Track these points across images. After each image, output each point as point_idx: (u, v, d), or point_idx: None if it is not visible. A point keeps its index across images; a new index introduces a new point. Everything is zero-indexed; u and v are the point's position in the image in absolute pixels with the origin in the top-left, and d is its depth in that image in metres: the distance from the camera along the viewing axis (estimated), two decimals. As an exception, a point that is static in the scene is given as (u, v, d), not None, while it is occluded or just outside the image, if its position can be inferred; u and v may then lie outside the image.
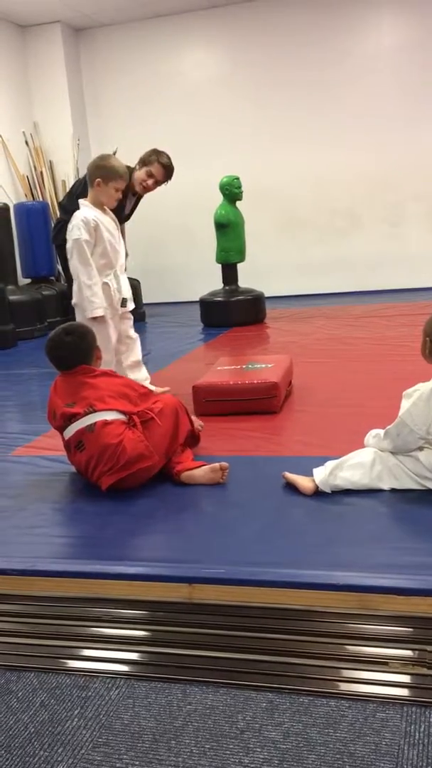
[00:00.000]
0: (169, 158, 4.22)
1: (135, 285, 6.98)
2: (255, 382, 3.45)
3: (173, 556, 2.13)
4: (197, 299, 6.38)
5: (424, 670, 1.60)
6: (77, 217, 3.42)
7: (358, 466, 2.42)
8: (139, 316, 6.81)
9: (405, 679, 1.60)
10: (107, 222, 3.50)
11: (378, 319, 5.45)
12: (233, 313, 6.06)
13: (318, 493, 2.41)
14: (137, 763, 1.40)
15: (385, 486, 2.40)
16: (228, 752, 1.41)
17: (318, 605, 1.85)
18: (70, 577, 2.05)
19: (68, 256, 3.47)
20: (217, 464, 2.61)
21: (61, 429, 2.69)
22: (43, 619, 1.92)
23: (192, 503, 2.48)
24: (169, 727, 1.49)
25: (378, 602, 1.83)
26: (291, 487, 2.48)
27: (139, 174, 4.23)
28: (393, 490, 2.39)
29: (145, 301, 7.14)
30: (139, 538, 2.27)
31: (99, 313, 3.43)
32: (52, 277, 7.23)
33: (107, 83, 7.83)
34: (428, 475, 2.35)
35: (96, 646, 1.81)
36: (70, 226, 3.46)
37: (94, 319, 3.42)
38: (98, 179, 3.45)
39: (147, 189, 4.29)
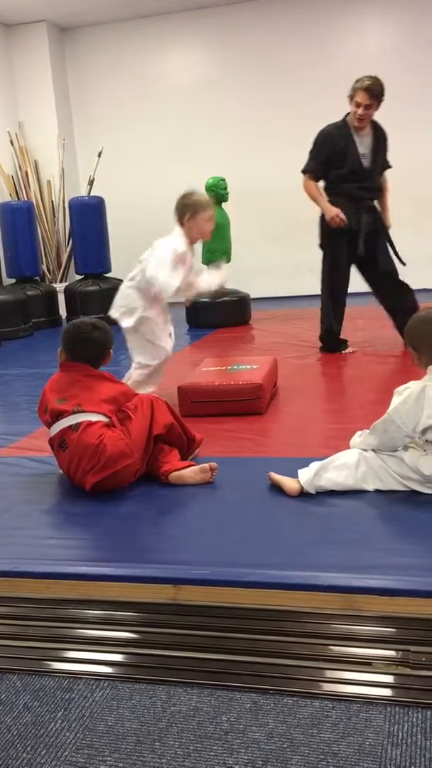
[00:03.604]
0: (369, 78, 4.24)
1: (120, 286, 6.97)
2: (240, 383, 3.45)
3: (159, 557, 2.13)
4: (183, 300, 6.37)
5: (408, 671, 1.61)
6: (170, 246, 3.49)
7: (342, 468, 2.43)
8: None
9: (388, 679, 1.60)
10: (189, 257, 3.57)
11: (363, 321, 5.47)
12: (219, 314, 6.07)
13: (303, 494, 2.41)
14: (121, 764, 1.40)
15: (370, 487, 2.41)
16: (212, 753, 1.41)
17: (303, 606, 1.85)
18: (55, 578, 2.04)
19: (154, 263, 3.49)
20: (206, 464, 2.61)
21: (48, 425, 2.69)
22: (27, 621, 1.91)
23: (178, 504, 2.48)
24: (153, 729, 1.49)
25: (362, 603, 1.83)
26: (276, 488, 2.49)
27: (351, 110, 4.33)
28: (377, 491, 2.40)
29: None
30: (125, 540, 2.26)
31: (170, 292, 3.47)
32: (37, 277, 7.20)
33: (93, 83, 7.82)
34: (412, 476, 2.37)
35: (80, 647, 1.80)
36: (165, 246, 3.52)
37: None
38: (187, 215, 3.54)
39: (363, 118, 4.31)
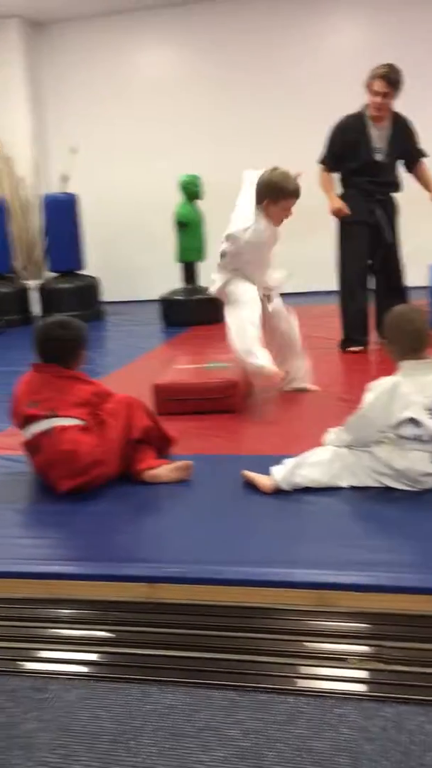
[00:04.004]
0: (386, 66, 4.16)
1: (94, 283, 6.94)
2: (215, 381, 3.45)
3: (133, 555, 2.13)
4: (157, 298, 6.36)
5: (381, 666, 1.62)
6: (252, 222, 3.32)
7: (317, 464, 2.44)
8: (98, 315, 6.77)
9: (362, 674, 1.62)
10: (266, 235, 3.39)
11: (338, 319, 5.49)
12: (193, 312, 6.06)
13: (277, 492, 2.42)
14: (95, 764, 1.39)
15: (344, 483, 2.43)
16: (187, 751, 1.41)
17: (277, 603, 1.86)
18: (28, 578, 2.02)
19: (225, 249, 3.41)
20: (181, 462, 2.60)
21: (20, 427, 2.66)
22: (1, 621, 1.89)
23: (152, 502, 2.48)
24: (127, 728, 1.49)
25: (336, 599, 1.85)
26: (250, 486, 2.49)
27: (369, 99, 4.24)
28: (351, 488, 2.42)
29: (104, 299, 7.09)
30: (99, 538, 2.25)
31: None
32: (10, 275, 7.13)
33: (67, 79, 7.75)
34: (385, 471, 2.38)
35: (54, 647, 1.79)
36: (242, 222, 3.36)
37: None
38: (266, 200, 3.32)
39: (382, 107, 4.21)
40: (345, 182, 4.44)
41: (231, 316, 3.43)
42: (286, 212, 3.36)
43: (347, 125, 4.32)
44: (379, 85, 4.12)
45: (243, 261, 3.40)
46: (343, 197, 4.38)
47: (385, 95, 4.14)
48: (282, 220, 3.40)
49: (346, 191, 4.40)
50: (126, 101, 7.58)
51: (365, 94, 4.24)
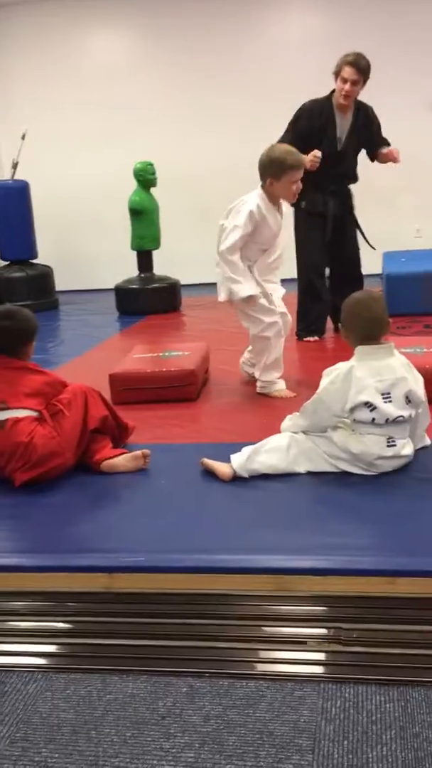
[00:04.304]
0: (355, 53, 4.10)
1: (47, 272, 6.84)
2: (172, 369, 3.44)
3: (92, 546, 2.11)
4: (112, 287, 6.30)
5: (339, 647, 1.65)
6: (247, 206, 3.25)
7: (274, 451, 2.46)
8: (52, 305, 6.68)
9: (321, 657, 1.64)
10: (273, 220, 3.31)
11: (292, 307, 5.52)
12: (149, 300, 6.02)
13: (236, 479, 2.43)
14: (56, 755, 1.38)
15: (301, 469, 2.45)
16: (149, 739, 1.41)
17: (237, 589, 1.87)
18: (-15, 571, 2.00)
19: (222, 237, 3.32)
20: (138, 451, 2.59)
21: None
22: (-43, 616, 1.86)
23: (111, 492, 2.46)
24: (88, 718, 1.48)
25: (295, 583, 1.87)
26: (209, 474, 2.49)
27: (336, 87, 4.17)
28: (309, 473, 2.44)
29: (58, 288, 6.99)
30: (57, 530, 2.23)
31: (248, 291, 3.28)
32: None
33: (15, 64, 7.59)
34: (342, 455, 2.41)
35: (12, 640, 1.77)
36: (237, 209, 3.30)
37: (246, 300, 3.30)
38: (269, 178, 3.24)
39: (349, 95, 4.15)
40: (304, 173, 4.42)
41: (257, 327, 3.38)
42: (294, 185, 3.28)
43: (314, 110, 4.27)
44: (348, 72, 4.08)
45: (252, 251, 3.35)
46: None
47: (354, 83, 4.11)
48: (293, 195, 3.34)
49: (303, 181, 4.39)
50: (77, 86, 7.46)
51: (333, 80, 4.20)
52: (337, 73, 4.16)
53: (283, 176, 3.23)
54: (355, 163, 4.44)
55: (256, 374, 3.46)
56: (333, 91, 4.27)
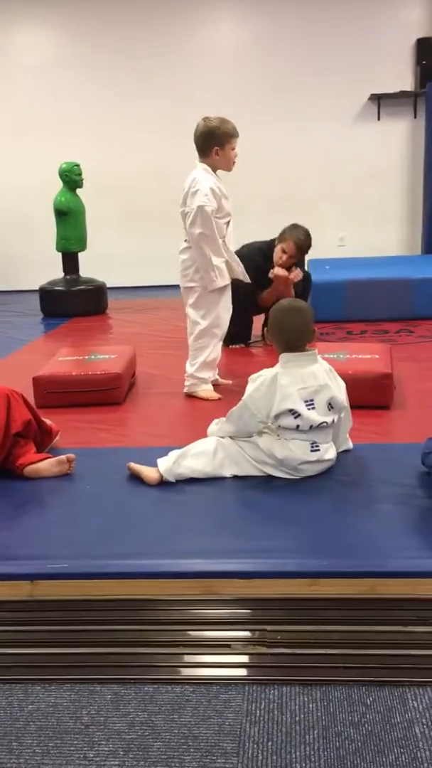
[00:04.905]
0: (301, 234, 4.22)
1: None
2: (98, 372, 3.41)
3: (14, 552, 2.07)
4: (36, 288, 6.19)
5: (264, 649, 1.67)
6: (204, 184, 3.22)
7: (201, 455, 2.46)
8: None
9: (245, 659, 1.65)
10: (225, 191, 3.33)
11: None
12: (74, 302, 5.94)
13: (162, 483, 2.43)
14: (-24, 770, 1.35)
15: (227, 473, 2.47)
16: (72, 748, 1.39)
17: (163, 594, 1.87)
18: None
19: (189, 222, 3.26)
20: (63, 456, 2.55)
21: None
22: None
23: (34, 497, 2.41)
24: (9, 730, 1.45)
25: (220, 587, 1.88)
26: (135, 478, 2.48)
27: (276, 250, 4.23)
28: (235, 477, 2.46)
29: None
30: (-24, 537, 2.17)
31: (221, 283, 3.32)
32: None
33: None
34: (267, 460, 2.44)
35: None
36: (193, 190, 3.25)
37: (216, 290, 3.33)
38: (215, 147, 3.26)
39: (282, 265, 4.20)
40: None
41: (207, 320, 3.40)
42: (234, 151, 3.36)
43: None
44: (289, 247, 4.20)
45: (219, 226, 3.33)
46: None
47: (290, 257, 4.22)
48: (234, 162, 3.39)
49: None
50: (2, 83, 7.31)
51: (275, 245, 4.27)
52: (280, 239, 4.26)
53: (227, 143, 3.31)
54: None
55: (190, 370, 3.46)
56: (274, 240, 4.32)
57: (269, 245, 4.35)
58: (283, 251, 4.23)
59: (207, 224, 3.25)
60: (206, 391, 3.42)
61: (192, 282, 3.41)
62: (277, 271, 4.20)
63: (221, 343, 3.51)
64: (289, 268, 4.25)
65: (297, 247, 4.22)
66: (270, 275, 4.23)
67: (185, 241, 3.42)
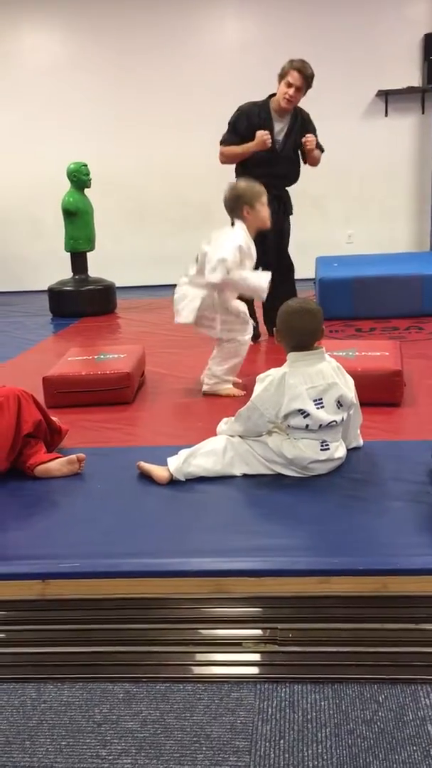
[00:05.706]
0: (301, 61, 4.13)
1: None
2: (107, 372, 3.42)
3: (26, 552, 2.07)
4: (46, 288, 6.21)
5: (275, 648, 1.67)
6: (236, 238, 3.33)
7: (210, 454, 2.46)
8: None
9: (257, 657, 1.65)
10: (253, 251, 3.43)
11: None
12: (83, 302, 5.95)
13: (172, 482, 2.43)
14: (-10, 768, 1.35)
15: (237, 472, 2.46)
16: (85, 747, 1.40)
17: (174, 593, 1.87)
18: None
19: (209, 268, 3.29)
20: (73, 456, 2.55)
21: None
22: None
23: (45, 497, 2.42)
24: (22, 728, 1.45)
25: (231, 585, 1.88)
26: (146, 477, 2.48)
27: (280, 90, 4.18)
28: (245, 476, 2.46)
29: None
30: (-12, 537, 2.18)
31: (264, 280, 3.37)
32: None
33: None
34: (276, 459, 2.44)
35: None
36: (224, 238, 3.35)
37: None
38: (245, 207, 3.38)
39: (292, 99, 4.17)
40: (243, 175, 4.44)
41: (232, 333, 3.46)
42: (266, 207, 3.46)
43: (252, 111, 4.31)
44: (294, 77, 4.14)
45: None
46: None
47: (298, 89, 4.17)
48: (268, 216, 3.50)
49: None
50: (9, 85, 7.33)
51: (277, 83, 4.23)
52: (282, 76, 4.20)
53: (256, 202, 3.39)
54: (295, 166, 4.49)
55: (215, 370, 3.46)
56: (271, 95, 4.31)
57: (260, 103, 4.32)
58: (289, 85, 4.17)
59: (226, 272, 3.28)
60: (228, 389, 3.44)
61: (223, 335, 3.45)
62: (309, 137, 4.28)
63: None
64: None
65: (302, 76, 4.15)
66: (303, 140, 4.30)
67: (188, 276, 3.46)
